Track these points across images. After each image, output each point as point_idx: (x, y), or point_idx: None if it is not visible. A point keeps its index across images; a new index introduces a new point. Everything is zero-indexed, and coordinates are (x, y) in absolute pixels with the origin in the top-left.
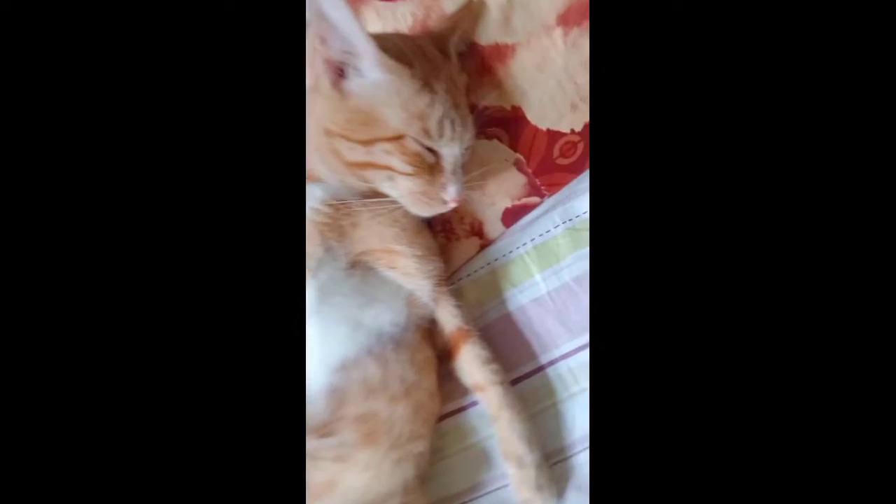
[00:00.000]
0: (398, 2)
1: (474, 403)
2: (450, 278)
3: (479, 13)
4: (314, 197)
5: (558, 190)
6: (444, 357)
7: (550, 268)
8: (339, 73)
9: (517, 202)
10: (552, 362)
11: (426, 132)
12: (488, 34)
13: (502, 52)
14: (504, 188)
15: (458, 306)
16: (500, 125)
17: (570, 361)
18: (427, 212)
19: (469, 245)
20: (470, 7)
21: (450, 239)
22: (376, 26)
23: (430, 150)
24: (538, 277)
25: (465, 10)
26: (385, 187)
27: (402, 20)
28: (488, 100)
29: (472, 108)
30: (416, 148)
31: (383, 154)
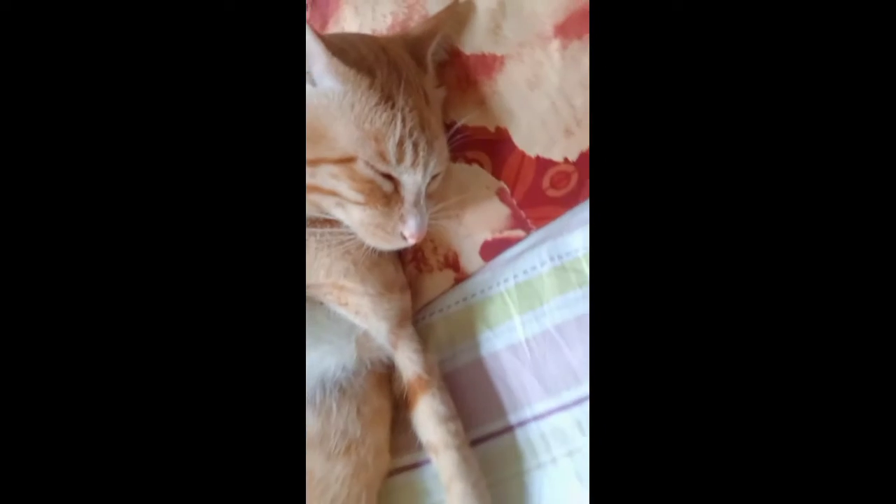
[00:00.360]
0: None
1: (429, 461)
2: (419, 312)
3: (465, 17)
4: None
5: (547, 224)
6: (402, 406)
7: (532, 311)
8: None
9: (498, 235)
10: (522, 423)
11: (381, 156)
12: (474, 42)
13: (489, 63)
14: (483, 219)
15: (419, 351)
16: (482, 149)
17: (543, 425)
18: (384, 246)
19: (442, 278)
20: (455, 9)
21: (421, 270)
22: (352, 25)
23: (387, 176)
24: (517, 321)
25: (450, 12)
26: (337, 214)
27: (381, 20)
28: (469, 119)
29: (450, 126)
30: (369, 174)
31: (329, 178)
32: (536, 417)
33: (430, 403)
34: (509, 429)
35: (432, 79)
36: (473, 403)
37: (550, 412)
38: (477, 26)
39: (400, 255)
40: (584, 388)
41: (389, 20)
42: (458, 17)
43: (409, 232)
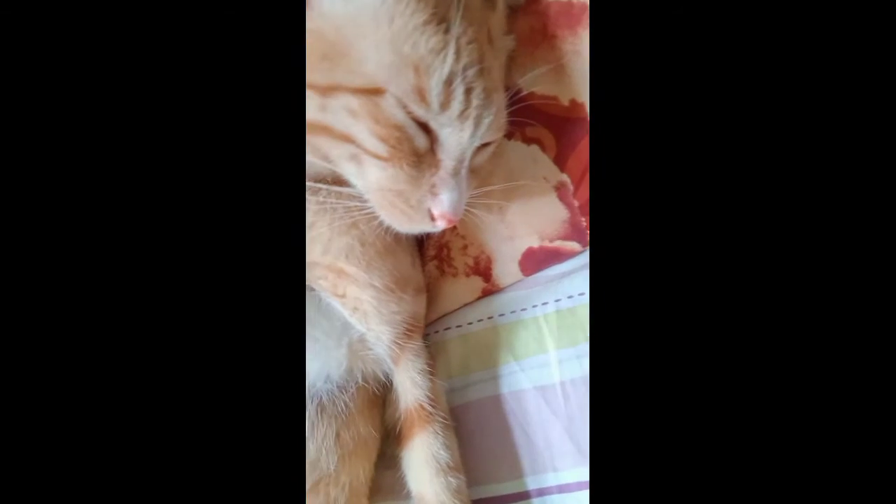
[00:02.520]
0: None
1: None
2: (433, 324)
3: None
4: None
5: None
6: (391, 437)
7: (573, 347)
8: None
9: (548, 244)
10: (543, 492)
11: (420, 94)
12: None
13: (575, 15)
14: (533, 219)
15: (426, 373)
16: (548, 126)
17: (569, 499)
18: (404, 225)
19: (468, 286)
20: None
21: (444, 271)
22: None
23: (423, 126)
24: (553, 356)
25: None
26: (348, 173)
27: None
28: (537, 83)
29: (512, 90)
30: (399, 116)
31: (345, 115)
32: (562, 488)
33: (429, 444)
34: (524, 496)
35: (501, 20)
36: (482, 453)
37: (581, 486)
38: None
39: (421, 248)
40: None
41: None
42: None
43: (439, 210)
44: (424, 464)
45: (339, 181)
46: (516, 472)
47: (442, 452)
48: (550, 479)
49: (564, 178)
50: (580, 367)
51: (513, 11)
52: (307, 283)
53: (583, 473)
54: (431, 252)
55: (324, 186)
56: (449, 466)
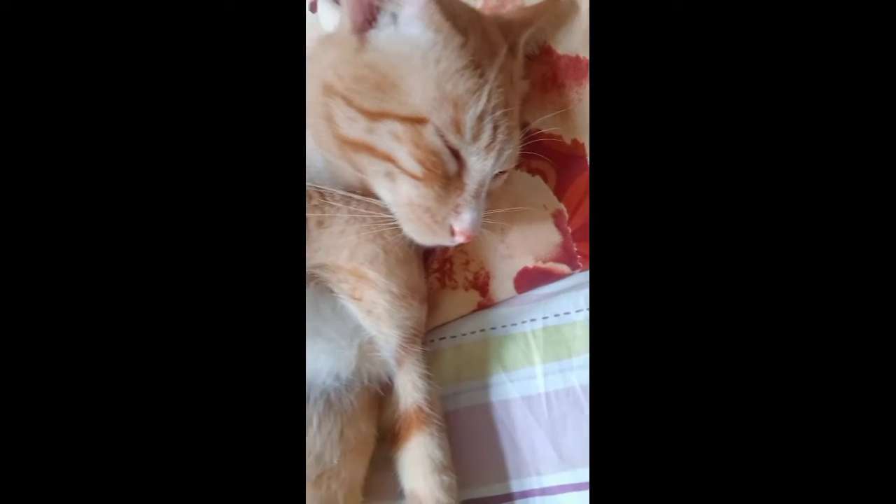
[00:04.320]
0: None
1: None
2: (429, 333)
3: (565, 15)
4: None
5: None
6: (386, 437)
7: (557, 361)
8: (370, 16)
9: (540, 264)
10: (526, 495)
11: (456, 126)
12: (569, 43)
13: (581, 68)
14: (530, 242)
15: (426, 378)
16: (551, 160)
17: (549, 501)
18: (426, 237)
19: (465, 299)
20: (557, 4)
21: (444, 284)
22: None
23: (455, 153)
24: (538, 369)
25: (551, 5)
26: (380, 187)
27: (471, 0)
28: (546, 124)
29: (523, 127)
30: (436, 143)
31: (389, 138)
32: (544, 491)
33: (425, 444)
34: (509, 498)
35: (520, 66)
36: (470, 457)
37: (562, 489)
38: (576, 27)
39: (425, 261)
40: None
41: (480, 3)
42: (557, 13)
43: (460, 226)
44: (420, 462)
45: (367, 192)
46: (502, 475)
47: (437, 452)
48: (534, 483)
49: (561, 206)
50: (563, 380)
51: (528, 59)
52: (328, 285)
53: (563, 478)
54: (435, 265)
55: (357, 197)
56: (444, 466)
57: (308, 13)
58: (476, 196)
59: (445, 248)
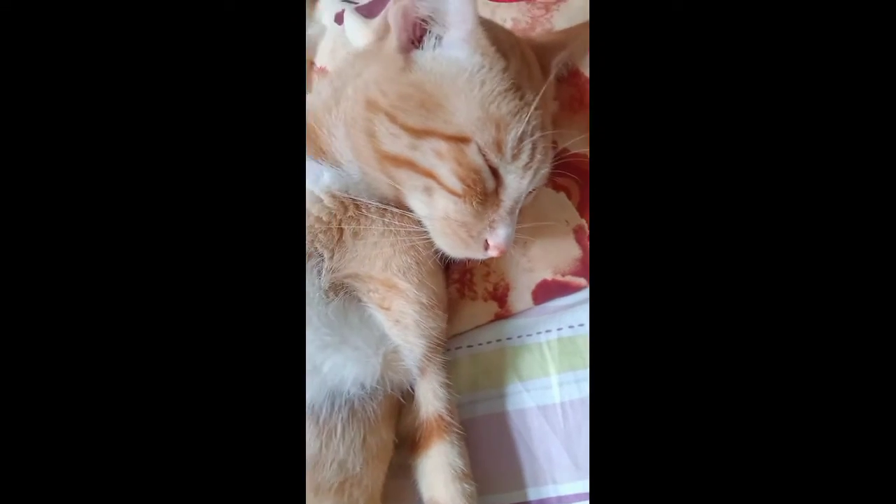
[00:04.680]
0: (503, 2)
1: None
2: (445, 343)
3: None
4: (318, 180)
5: None
6: (405, 445)
7: (573, 371)
8: (416, 36)
9: (559, 277)
10: (543, 502)
11: (498, 146)
12: None
13: None
14: (551, 255)
15: (447, 386)
16: (575, 179)
17: None
18: (459, 251)
19: (483, 310)
20: (586, 29)
21: (464, 294)
22: None
23: (494, 171)
24: (554, 379)
25: (581, 30)
26: (416, 201)
27: (500, 23)
28: (572, 143)
29: (553, 146)
30: (478, 162)
31: (432, 155)
32: (561, 500)
33: (446, 453)
34: None
35: (551, 88)
36: (488, 465)
37: (578, 497)
38: None
39: (446, 271)
40: None
41: (510, 25)
42: (586, 38)
43: (495, 241)
44: (441, 471)
45: (400, 206)
46: (519, 483)
47: (458, 461)
48: (550, 491)
49: (583, 222)
50: (578, 390)
51: (558, 81)
52: (357, 294)
53: (579, 486)
54: (455, 276)
55: (393, 209)
56: (465, 475)
57: (334, 24)
58: (511, 212)
59: (467, 260)
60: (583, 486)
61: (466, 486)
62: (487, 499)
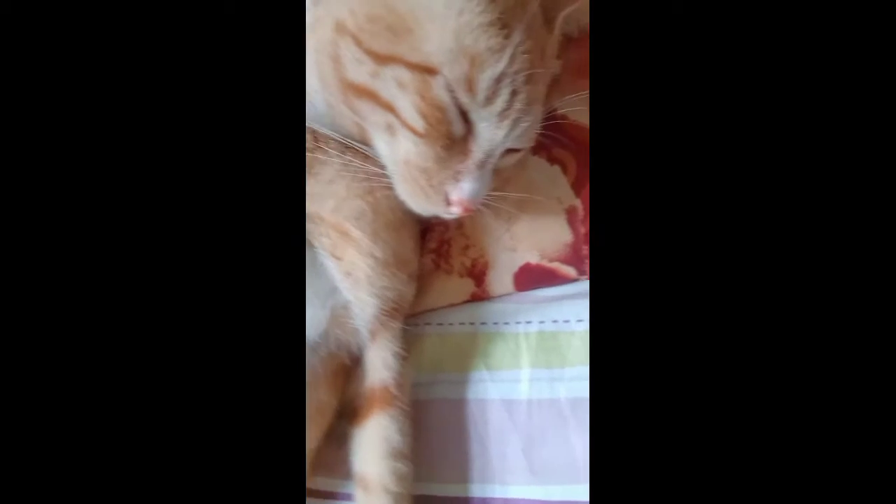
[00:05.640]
0: None
1: (351, 497)
2: (414, 316)
3: None
4: None
5: None
6: (346, 413)
7: (547, 369)
8: None
9: (546, 263)
10: (486, 501)
11: (469, 84)
12: None
13: None
14: (538, 236)
15: (399, 357)
16: (573, 151)
17: None
18: (419, 202)
19: (458, 287)
20: None
21: (439, 266)
22: None
23: (464, 113)
24: (525, 373)
25: None
26: (379, 140)
27: None
28: (573, 111)
29: (548, 111)
30: (444, 99)
31: (394, 85)
32: (507, 502)
33: (384, 426)
34: (466, 502)
35: (555, 44)
36: (433, 451)
37: (527, 503)
38: None
39: (423, 239)
40: (582, 490)
41: None
42: None
43: (458, 195)
44: (375, 444)
45: (366, 145)
46: (463, 476)
47: (395, 436)
48: (497, 491)
49: (577, 203)
50: (550, 389)
51: (566, 40)
52: (308, 239)
53: (531, 492)
54: (432, 245)
55: (355, 144)
56: (399, 453)
57: None
58: (481, 167)
59: (445, 229)
60: (535, 492)
61: (400, 465)
62: (425, 486)
